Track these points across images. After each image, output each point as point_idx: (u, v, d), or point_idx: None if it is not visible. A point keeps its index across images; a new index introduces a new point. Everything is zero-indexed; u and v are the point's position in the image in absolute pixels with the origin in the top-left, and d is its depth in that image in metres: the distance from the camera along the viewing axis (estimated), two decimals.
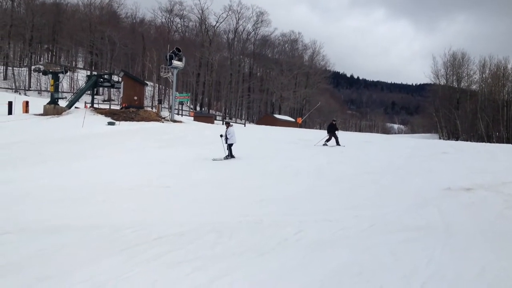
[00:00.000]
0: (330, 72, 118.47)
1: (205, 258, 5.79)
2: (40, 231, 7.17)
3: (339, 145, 22.23)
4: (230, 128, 17.68)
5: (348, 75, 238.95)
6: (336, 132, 23.01)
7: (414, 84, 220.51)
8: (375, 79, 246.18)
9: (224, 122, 18.32)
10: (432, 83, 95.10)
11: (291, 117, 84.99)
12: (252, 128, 45.11)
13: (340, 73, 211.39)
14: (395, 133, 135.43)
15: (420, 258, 5.68)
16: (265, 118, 74.56)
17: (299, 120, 72.03)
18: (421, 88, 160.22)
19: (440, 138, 77.67)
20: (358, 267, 5.42)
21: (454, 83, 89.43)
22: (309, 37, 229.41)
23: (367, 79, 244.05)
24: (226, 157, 17.17)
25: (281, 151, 20.47)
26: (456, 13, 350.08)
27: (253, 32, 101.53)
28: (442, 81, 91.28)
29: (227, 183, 12.30)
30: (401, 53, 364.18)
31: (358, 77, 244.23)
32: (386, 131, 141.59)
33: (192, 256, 5.86)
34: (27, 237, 6.79)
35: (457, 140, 67.08)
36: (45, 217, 8.10)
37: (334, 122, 23.47)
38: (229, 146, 17.41)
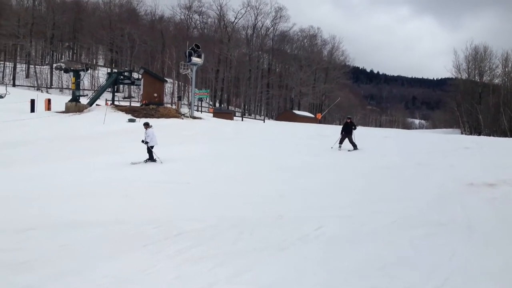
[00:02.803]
0: (350, 67, 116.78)
1: (226, 253, 5.83)
2: (63, 226, 7.31)
3: (356, 148, 18.78)
4: (149, 129, 16.49)
5: (368, 70, 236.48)
6: (353, 130, 19.39)
7: (435, 79, 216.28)
8: (395, 74, 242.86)
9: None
10: (454, 77, 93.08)
11: (311, 112, 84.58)
12: (272, 124, 45.11)
13: (360, 68, 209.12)
14: (416, 128, 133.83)
15: (443, 253, 5.64)
16: (285, 114, 74.23)
17: (319, 116, 71.66)
18: (442, 83, 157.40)
19: (462, 133, 76.41)
20: (381, 262, 5.40)
21: (476, 77, 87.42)
22: (329, 32, 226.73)
23: (387, 74, 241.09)
24: (146, 161, 16.03)
25: (300, 146, 20.38)
26: (479, 8, 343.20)
27: (272, 27, 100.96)
28: (464, 75, 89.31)
29: (247, 178, 12.33)
30: (423, 49, 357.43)
31: (378, 72, 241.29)
32: (407, 126, 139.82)
33: (213, 252, 5.90)
34: (50, 233, 6.93)
35: (479, 135, 65.72)
36: (68, 213, 8.24)
37: (348, 120, 19.80)
38: (149, 149, 16.24)
